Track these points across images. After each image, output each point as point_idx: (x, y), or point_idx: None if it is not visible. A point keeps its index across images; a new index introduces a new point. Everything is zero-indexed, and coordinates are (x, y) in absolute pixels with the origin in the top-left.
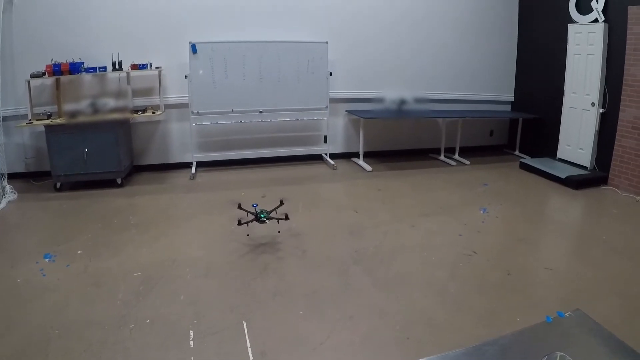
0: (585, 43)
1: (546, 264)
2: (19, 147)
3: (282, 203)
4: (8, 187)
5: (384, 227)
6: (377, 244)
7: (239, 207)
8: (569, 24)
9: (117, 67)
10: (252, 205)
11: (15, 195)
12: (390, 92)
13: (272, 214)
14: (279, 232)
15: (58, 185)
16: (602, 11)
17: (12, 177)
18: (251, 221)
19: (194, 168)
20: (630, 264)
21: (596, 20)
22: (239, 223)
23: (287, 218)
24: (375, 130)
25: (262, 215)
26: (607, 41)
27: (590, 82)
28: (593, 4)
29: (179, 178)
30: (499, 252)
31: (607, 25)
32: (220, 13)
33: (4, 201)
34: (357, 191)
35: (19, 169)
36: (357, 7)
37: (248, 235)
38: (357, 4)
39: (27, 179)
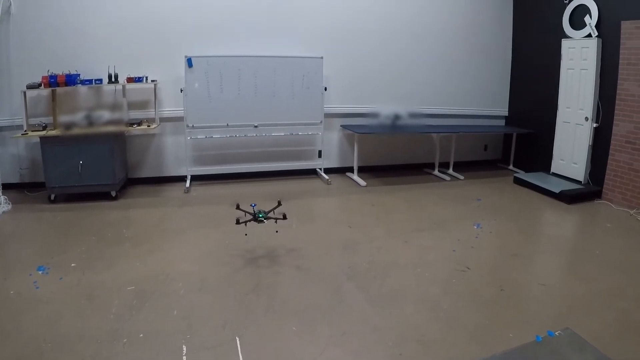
0: (578, 58)
1: (539, 279)
2: (13, 157)
3: (279, 204)
4: (2, 198)
5: (377, 242)
6: (370, 259)
7: (237, 207)
8: (562, 39)
9: (113, 79)
10: (251, 205)
11: (10, 206)
12: (385, 107)
13: (270, 214)
14: (277, 231)
15: (52, 196)
16: (595, 26)
17: (7, 187)
18: (249, 221)
19: (188, 182)
20: (624, 278)
21: (589, 36)
22: (237, 222)
23: (284, 217)
24: (370, 145)
25: (260, 215)
26: (600, 56)
27: (583, 97)
28: (586, 19)
29: (174, 191)
30: (492, 267)
31: (600, 40)
32: (216, 27)
33: None
34: (351, 206)
35: (14, 179)
36: (352, 23)
37: (246, 234)
38: (352, 20)
39: (22, 189)
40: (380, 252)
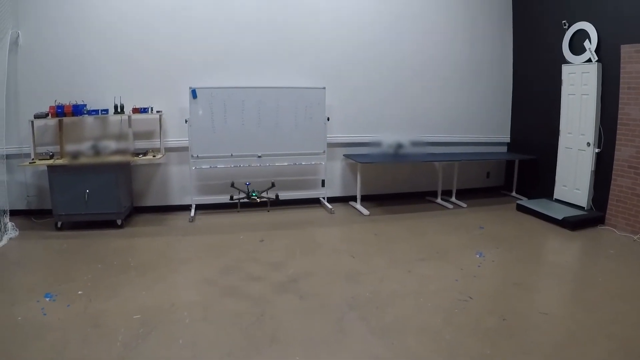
0: (579, 83)
1: (541, 308)
2: (21, 184)
3: (273, 185)
4: (10, 224)
5: (380, 272)
6: (373, 289)
7: (232, 185)
8: (562, 65)
9: (118, 110)
10: (245, 184)
11: (17, 233)
12: (387, 136)
13: (263, 194)
14: (261, 240)
15: (59, 224)
16: (595, 51)
17: (14, 214)
18: (242, 199)
19: (193, 211)
20: (626, 306)
21: (589, 60)
22: (231, 198)
23: (277, 198)
24: (373, 173)
25: (254, 194)
26: (601, 81)
27: (585, 122)
28: (586, 43)
29: (178, 220)
30: (494, 296)
31: (600, 64)
32: (220, 59)
33: (5, 238)
34: (354, 236)
35: (21, 206)
36: (354, 54)
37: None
38: (354, 50)
39: (29, 216)
40: (382, 282)
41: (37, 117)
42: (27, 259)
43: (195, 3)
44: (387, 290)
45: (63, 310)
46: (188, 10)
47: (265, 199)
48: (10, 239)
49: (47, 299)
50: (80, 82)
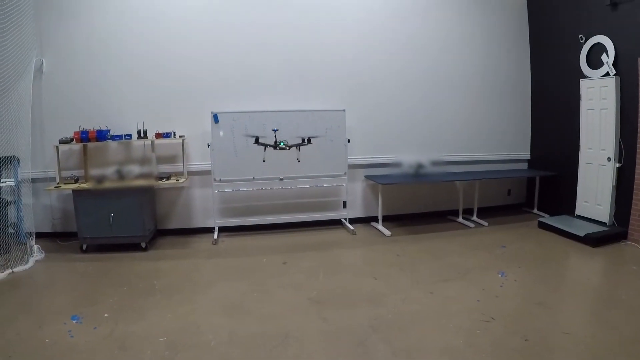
0: (598, 97)
1: (564, 327)
2: (46, 207)
3: (308, 141)
4: (36, 247)
5: (402, 293)
6: (395, 311)
7: (256, 141)
8: (580, 79)
9: (142, 135)
10: (272, 130)
11: (43, 255)
12: (407, 157)
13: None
14: (284, 263)
15: (84, 246)
16: (613, 64)
17: (40, 236)
18: (269, 145)
19: (216, 233)
20: None
21: (607, 74)
22: (256, 141)
23: (309, 142)
24: (394, 194)
25: (282, 143)
26: (619, 94)
27: (605, 137)
28: (603, 57)
29: (202, 243)
30: (517, 316)
31: (618, 78)
32: (240, 84)
33: (32, 260)
34: (376, 257)
35: (46, 228)
36: (373, 76)
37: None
38: (373, 72)
39: (54, 238)
40: (405, 303)
41: (62, 142)
42: (53, 281)
43: (216, 29)
44: (409, 311)
45: (90, 332)
46: (209, 36)
47: (294, 145)
48: (37, 261)
49: (74, 322)
50: (104, 107)
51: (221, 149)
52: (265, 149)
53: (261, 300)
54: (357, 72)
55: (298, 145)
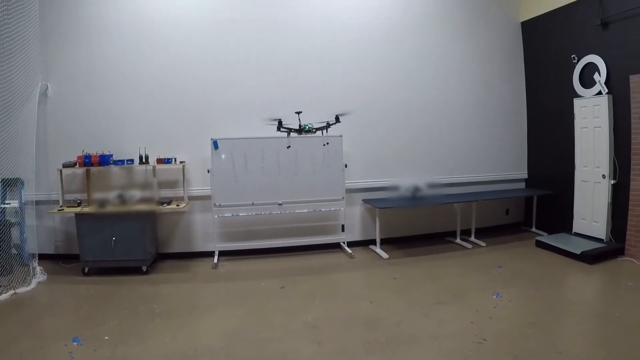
0: (591, 116)
1: (556, 347)
2: (49, 230)
3: (332, 123)
4: (38, 268)
5: (397, 316)
6: (389, 334)
7: (279, 126)
8: (574, 99)
9: (143, 160)
10: (296, 112)
11: (45, 277)
12: (404, 180)
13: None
14: (282, 287)
15: (86, 269)
16: (605, 83)
17: (42, 258)
18: (292, 130)
19: (216, 257)
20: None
21: (600, 93)
22: (278, 128)
23: (338, 120)
24: (392, 217)
25: (307, 127)
26: (612, 112)
27: (599, 155)
28: (595, 76)
29: (202, 267)
30: (509, 337)
31: (610, 96)
32: (240, 111)
33: (34, 282)
34: (373, 280)
35: (49, 250)
36: (367, 100)
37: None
38: (367, 97)
39: (56, 260)
40: (399, 326)
41: (65, 166)
42: (55, 303)
43: (214, 58)
44: (403, 334)
45: (90, 354)
46: (209, 66)
47: (320, 128)
48: (39, 282)
49: (75, 343)
50: (107, 132)
51: (221, 175)
52: (289, 135)
53: (258, 324)
54: (353, 98)
55: (325, 128)
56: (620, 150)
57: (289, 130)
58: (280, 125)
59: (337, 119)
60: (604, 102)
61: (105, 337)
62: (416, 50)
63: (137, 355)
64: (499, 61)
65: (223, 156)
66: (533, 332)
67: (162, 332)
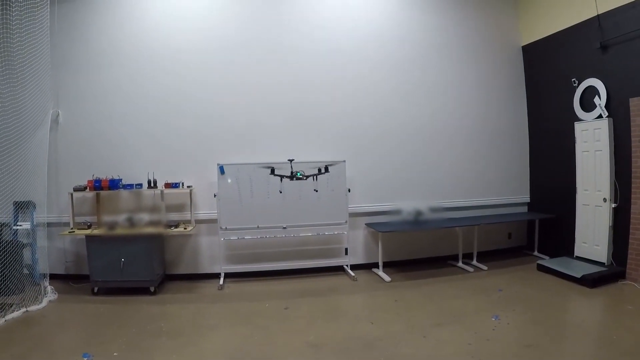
0: (592, 140)
1: None
2: (59, 251)
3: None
4: (49, 288)
5: (397, 338)
6: (388, 354)
7: (272, 172)
8: (575, 122)
9: (152, 185)
10: (289, 160)
11: (56, 296)
12: (407, 204)
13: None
14: (286, 308)
15: (95, 289)
16: (605, 106)
17: (53, 278)
18: (285, 176)
19: (222, 279)
20: None
21: (600, 116)
22: (272, 172)
23: (327, 170)
24: (394, 240)
25: (298, 174)
26: (612, 135)
27: (600, 178)
28: (596, 100)
29: (208, 288)
30: (505, 359)
31: (611, 119)
32: (245, 137)
33: (45, 300)
34: (374, 302)
35: (59, 270)
36: (372, 126)
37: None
38: (370, 122)
39: (66, 280)
40: (398, 347)
41: (76, 189)
42: (65, 320)
43: (221, 86)
44: (401, 354)
45: None
46: (215, 92)
47: (311, 175)
48: (50, 301)
49: (85, 359)
50: (116, 158)
51: (227, 199)
52: (281, 180)
53: (262, 344)
54: (356, 123)
55: (315, 175)
56: (621, 173)
57: (282, 177)
58: (273, 171)
59: (327, 169)
60: (604, 125)
61: (115, 354)
62: (420, 79)
63: None
64: (501, 85)
65: (229, 181)
66: (530, 355)
67: (168, 350)
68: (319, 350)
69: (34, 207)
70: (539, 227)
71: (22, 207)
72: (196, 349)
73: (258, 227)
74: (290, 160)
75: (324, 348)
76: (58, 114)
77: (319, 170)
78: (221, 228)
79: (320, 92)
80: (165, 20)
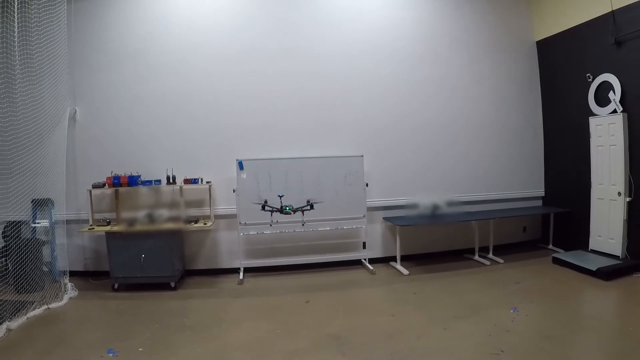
0: (606, 134)
1: (571, 359)
2: (78, 247)
3: (311, 207)
4: (69, 285)
5: (418, 330)
6: (411, 346)
7: (264, 206)
8: (590, 117)
9: (171, 181)
10: (278, 196)
11: (76, 293)
12: (424, 198)
13: (298, 209)
14: (307, 301)
15: (116, 285)
16: (620, 101)
17: (72, 275)
18: (275, 211)
19: (241, 274)
20: None
21: (615, 111)
22: (263, 208)
23: (312, 207)
24: (412, 234)
25: (287, 208)
26: (627, 130)
27: (615, 172)
28: (610, 95)
29: (228, 283)
30: (526, 349)
31: (625, 114)
32: (264, 132)
33: (66, 297)
34: (394, 295)
35: (78, 267)
36: (387, 121)
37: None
38: (387, 118)
39: (86, 277)
40: (420, 339)
41: (95, 186)
42: (87, 317)
43: (240, 82)
44: (424, 346)
45: None
46: (233, 88)
47: (299, 209)
48: (70, 298)
49: (110, 355)
50: (135, 154)
51: (246, 194)
52: (272, 214)
53: (285, 337)
54: (373, 119)
55: (302, 209)
56: (636, 167)
57: (272, 210)
58: (264, 206)
59: (312, 206)
60: (619, 120)
61: (140, 349)
62: (435, 74)
63: None
64: (515, 80)
65: (248, 176)
66: (549, 345)
67: (193, 344)
68: (343, 342)
69: (53, 204)
70: (553, 221)
71: (41, 205)
72: (221, 343)
73: (277, 221)
74: (280, 196)
75: (348, 340)
76: (75, 112)
77: (308, 202)
78: (240, 223)
79: (337, 90)
80: (186, 18)
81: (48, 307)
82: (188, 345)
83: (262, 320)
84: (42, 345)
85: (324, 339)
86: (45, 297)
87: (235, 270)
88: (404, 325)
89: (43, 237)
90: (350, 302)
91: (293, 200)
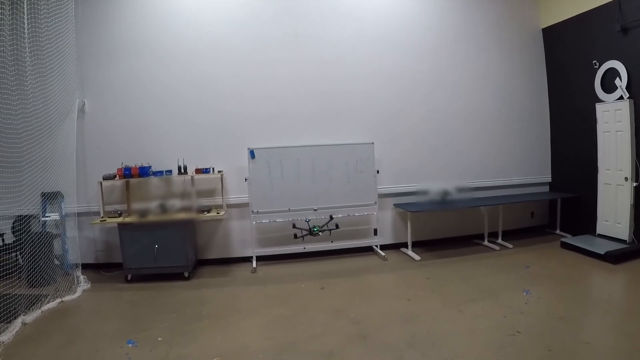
0: (613, 120)
1: (585, 339)
2: (89, 240)
3: (331, 218)
4: (82, 277)
5: (434, 313)
6: (428, 328)
7: (294, 226)
8: (596, 104)
9: (182, 171)
10: (305, 220)
11: (89, 285)
12: (434, 185)
13: (324, 227)
14: (322, 288)
15: (129, 276)
16: (626, 88)
17: (84, 267)
18: (306, 235)
19: (254, 262)
20: None
21: (621, 98)
22: (295, 237)
23: (337, 227)
24: (422, 220)
25: (315, 229)
26: (634, 116)
27: (622, 158)
28: (617, 81)
29: (241, 271)
30: (541, 330)
31: (632, 101)
32: (275, 121)
33: (79, 290)
34: (407, 280)
35: (89, 260)
36: (397, 108)
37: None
38: (397, 105)
39: (97, 269)
40: (436, 321)
41: (105, 178)
42: (102, 309)
43: (250, 70)
44: (441, 329)
45: (146, 355)
46: (244, 76)
47: (326, 230)
48: (84, 290)
49: (130, 345)
50: (145, 145)
51: (258, 183)
52: (303, 238)
53: (304, 323)
54: (383, 106)
55: (327, 225)
56: None
57: (303, 235)
58: (294, 225)
59: (337, 226)
60: (625, 106)
61: (159, 339)
62: (443, 62)
63: (191, 354)
64: (522, 68)
65: (259, 165)
66: (562, 326)
67: (212, 332)
68: (362, 326)
69: (62, 197)
70: (560, 206)
71: (50, 198)
72: (240, 330)
73: (289, 209)
74: (307, 220)
75: (367, 324)
76: (84, 104)
77: (330, 217)
78: (253, 212)
79: (348, 78)
80: (196, 9)
81: (62, 300)
82: (207, 332)
83: (279, 307)
84: (60, 338)
85: (344, 324)
86: (58, 290)
87: (248, 259)
88: (420, 309)
89: (54, 230)
90: (365, 288)
91: (305, 190)
